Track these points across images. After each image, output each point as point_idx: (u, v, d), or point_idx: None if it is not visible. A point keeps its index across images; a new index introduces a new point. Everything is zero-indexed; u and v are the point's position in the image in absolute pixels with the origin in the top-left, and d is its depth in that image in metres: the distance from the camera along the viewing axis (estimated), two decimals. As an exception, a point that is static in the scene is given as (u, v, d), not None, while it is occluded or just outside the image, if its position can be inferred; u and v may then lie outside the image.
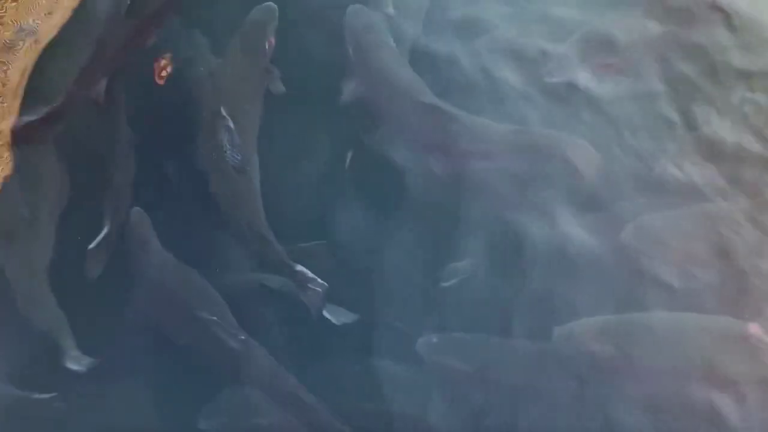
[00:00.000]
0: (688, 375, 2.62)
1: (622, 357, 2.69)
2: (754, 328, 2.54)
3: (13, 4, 3.28)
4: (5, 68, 3.21)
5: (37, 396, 2.82)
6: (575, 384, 2.73)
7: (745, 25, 3.42)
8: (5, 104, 3.18)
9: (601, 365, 2.71)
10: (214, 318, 2.95)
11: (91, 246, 3.05)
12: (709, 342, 2.61)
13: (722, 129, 3.18)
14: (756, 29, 3.41)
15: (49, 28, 3.30)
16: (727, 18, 3.44)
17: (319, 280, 3.03)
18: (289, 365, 2.91)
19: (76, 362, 2.87)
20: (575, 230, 3.05)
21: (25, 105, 3.20)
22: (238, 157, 3.23)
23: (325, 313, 3.04)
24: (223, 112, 3.27)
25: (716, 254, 2.84)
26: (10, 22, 3.26)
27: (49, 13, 3.33)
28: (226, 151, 3.23)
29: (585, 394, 2.71)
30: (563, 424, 2.71)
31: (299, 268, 3.05)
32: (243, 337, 2.93)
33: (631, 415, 2.65)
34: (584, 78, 3.40)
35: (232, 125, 3.25)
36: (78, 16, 3.37)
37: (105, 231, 3.10)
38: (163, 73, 3.52)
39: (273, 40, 3.61)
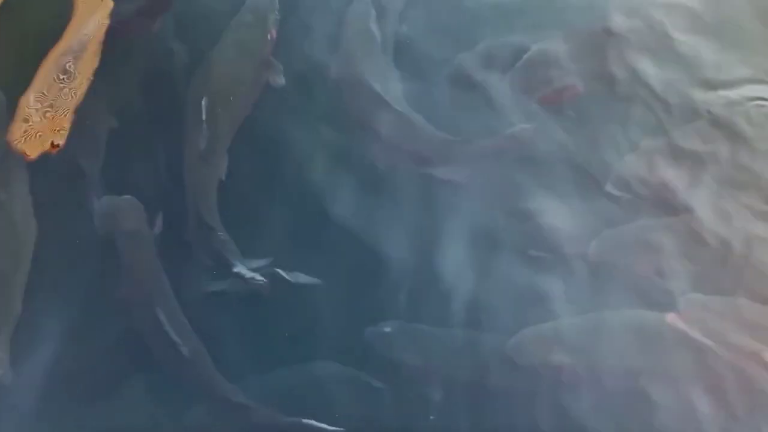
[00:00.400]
0: (630, 372, 2.65)
1: (573, 362, 2.71)
2: (671, 318, 2.59)
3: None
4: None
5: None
6: (529, 384, 2.75)
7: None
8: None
9: (552, 370, 2.73)
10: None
11: None
12: (633, 336, 2.67)
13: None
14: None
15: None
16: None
17: (258, 276, 3.02)
18: (234, 368, 2.89)
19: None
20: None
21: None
22: (203, 147, 3.21)
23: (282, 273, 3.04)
24: (203, 103, 3.26)
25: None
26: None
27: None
28: (197, 139, 3.23)
29: (540, 393, 2.72)
30: (520, 423, 2.72)
31: (238, 269, 3.04)
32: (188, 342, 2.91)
33: (586, 414, 2.65)
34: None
35: (204, 116, 3.24)
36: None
37: None
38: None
39: (274, 33, 3.61)
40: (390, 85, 3.46)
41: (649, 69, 3.39)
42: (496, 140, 3.28)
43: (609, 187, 3.07)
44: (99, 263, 3.08)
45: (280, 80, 3.50)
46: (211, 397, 2.86)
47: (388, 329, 2.98)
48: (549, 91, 3.39)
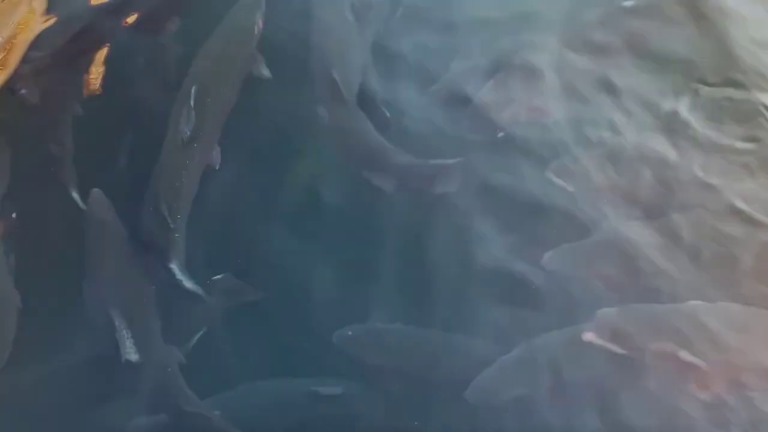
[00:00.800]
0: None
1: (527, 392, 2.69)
2: (588, 336, 2.60)
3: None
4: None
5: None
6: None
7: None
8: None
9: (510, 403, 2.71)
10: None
11: None
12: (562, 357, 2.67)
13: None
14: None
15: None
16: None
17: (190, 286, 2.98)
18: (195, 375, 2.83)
19: None
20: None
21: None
22: (188, 132, 3.18)
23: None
24: (192, 91, 3.26)
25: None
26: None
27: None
28: (179, 125, 3.21)
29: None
30: (481, 423, 2.69)
31: (185, 284, 2.98)
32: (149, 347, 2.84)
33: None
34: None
35: (192, 103, 3.22)
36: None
37: None
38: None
39: (261, 23, 3.64)
40: (352, 79, 3.51)
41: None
42: (420, 166, 3.28)
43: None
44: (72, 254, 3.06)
45: (265, 72, 3.53)
46: (166, 402, 2.79)
47: (350, 332, 2.97)
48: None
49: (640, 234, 2.97)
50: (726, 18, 3.60)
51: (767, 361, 2.59)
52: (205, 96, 3.29)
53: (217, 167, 3.24)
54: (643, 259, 2.91)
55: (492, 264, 2.98)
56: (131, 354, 2.79)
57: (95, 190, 3.14)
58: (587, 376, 2.62)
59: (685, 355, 2.49)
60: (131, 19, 3.67)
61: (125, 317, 2.85)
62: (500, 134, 3.30)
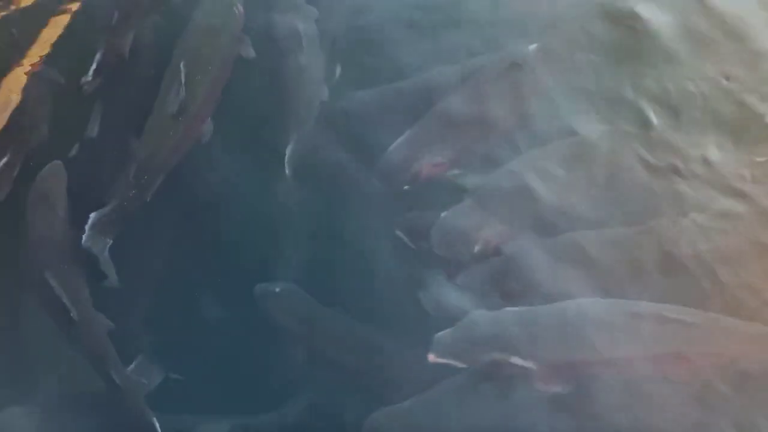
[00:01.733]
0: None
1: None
2: (431, 357, 2.76)
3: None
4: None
5: None
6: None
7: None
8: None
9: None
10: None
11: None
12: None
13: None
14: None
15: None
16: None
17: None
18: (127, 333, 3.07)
19: None
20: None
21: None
22: (176, 105, 3.44)
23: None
24: (181, 67, 3.54)
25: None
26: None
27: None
28: (168, 97, 3.50)
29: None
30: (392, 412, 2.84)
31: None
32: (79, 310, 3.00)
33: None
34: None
35: (183, 79, 3.49)
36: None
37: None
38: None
39: (241, 8, 3.89)
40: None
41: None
42: None
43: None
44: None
45: (250, 52, 3.81)
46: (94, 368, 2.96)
47: (277, 289, 3.17)
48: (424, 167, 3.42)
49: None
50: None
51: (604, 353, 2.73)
52: (194, 72, 3.54)
53: (204, 141, 3.51)
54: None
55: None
56: (73, 312, 2.98)
57: (55, 161, 3.36)
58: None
59: (516, 360, 2.69)
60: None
61: (58, 280, 3.03)
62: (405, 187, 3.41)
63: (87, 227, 3.18)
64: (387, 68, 3.75)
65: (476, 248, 3.09)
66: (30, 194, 3.27)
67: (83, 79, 3.63)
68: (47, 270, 3.04)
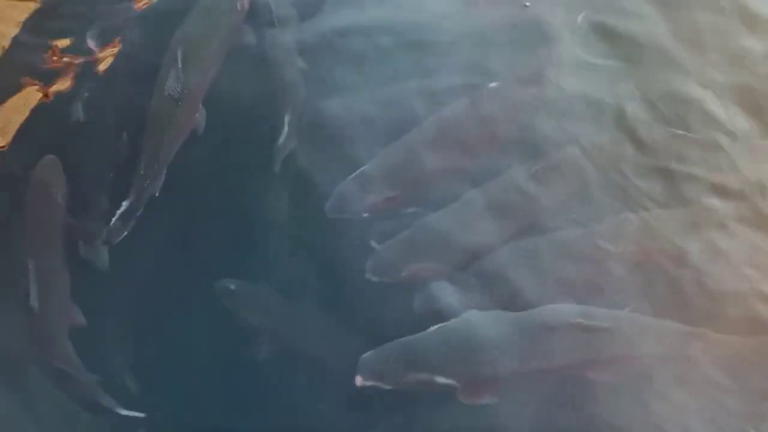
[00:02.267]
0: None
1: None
2: (358, 380, 2.85)
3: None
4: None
5: None
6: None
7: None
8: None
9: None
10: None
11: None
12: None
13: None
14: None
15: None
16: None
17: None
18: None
19: None
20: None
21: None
22: (178, 89, 3.61)
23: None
24: (178, 53, 3.70)
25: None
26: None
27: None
28: (167, 81, 3.65)
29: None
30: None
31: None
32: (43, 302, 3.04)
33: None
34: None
35: (180, 65, 3.66)
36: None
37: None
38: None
39: (246, 3, 4.09)
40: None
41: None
42: None
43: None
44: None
45: (251, 39, 4.02)
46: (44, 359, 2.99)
47: (233, 286, 3.20)
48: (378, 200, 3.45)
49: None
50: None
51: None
52: (189, 59, 3.70)
53: (200, 131, 3.65)
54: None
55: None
56: (34, 302, 3.03)
57: (49, 156, 3.49)
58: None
59: (440, 379, 2.81)
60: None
61: (37, 269, 3.10)
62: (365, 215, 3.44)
63: (115, 218, 3.32)
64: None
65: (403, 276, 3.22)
66: (30, 183, 3.40)
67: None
68: (31, 258, 3.13)
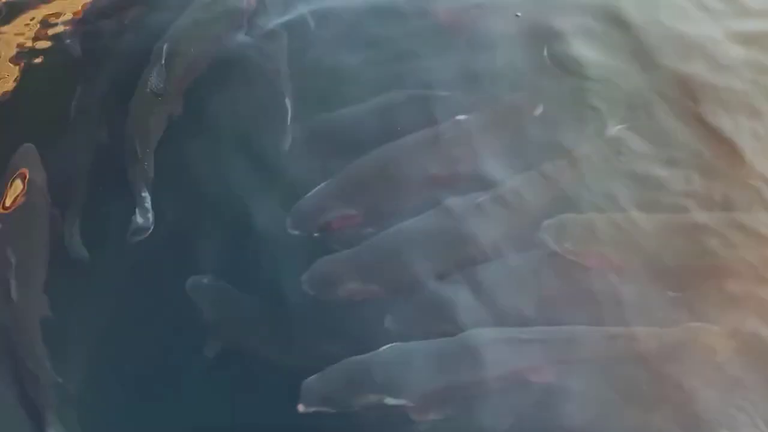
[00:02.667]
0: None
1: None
2: (300, 408, 2.79)
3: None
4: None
5: None
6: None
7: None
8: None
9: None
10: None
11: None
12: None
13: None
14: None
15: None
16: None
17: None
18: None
19: None
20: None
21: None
22: (161, 85, 3.69)
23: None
24: (164, 49, 3.79)
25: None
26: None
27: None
28: (150, 77, 3.73)
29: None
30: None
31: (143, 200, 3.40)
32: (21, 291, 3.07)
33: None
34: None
35: (164, 61, 3.75)
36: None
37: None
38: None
39: (253, 1, 4.11)
40: None
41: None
42: None
43: None
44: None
45: (244, 40, 4.00)
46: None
47: (205, 280, 3.20)
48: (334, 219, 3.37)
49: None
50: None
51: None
52: (174, 55, 3.79)
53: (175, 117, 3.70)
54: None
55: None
56: (13, 292, 3.06)
57: (27, 144, 3.53)
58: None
59: (389, 400, 2.77)
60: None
61: (16, 257, 3.14)
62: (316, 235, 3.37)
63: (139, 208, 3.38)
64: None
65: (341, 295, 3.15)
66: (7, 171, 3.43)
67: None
68: (9, 247, 3.18)
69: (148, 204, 3.37)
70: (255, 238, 3.37)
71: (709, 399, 2.81)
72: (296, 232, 3.34)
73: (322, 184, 3.44)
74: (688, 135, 3.57)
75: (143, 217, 3.32)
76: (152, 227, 3.31)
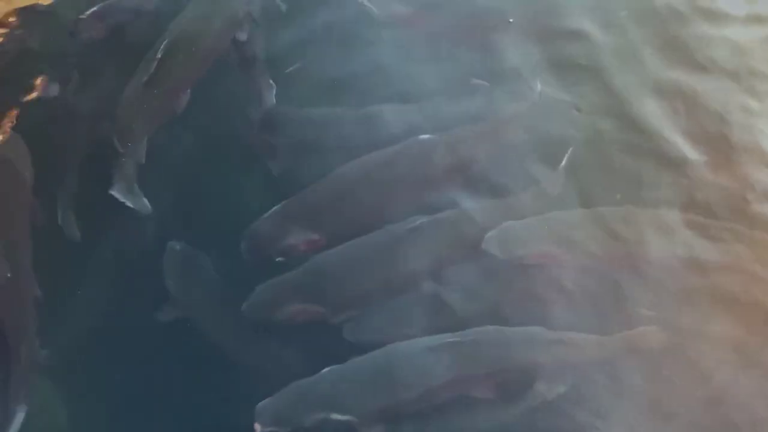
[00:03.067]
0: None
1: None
2: (257, 428, 2.91)
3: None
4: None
5: None
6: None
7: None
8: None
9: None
10: None
11: None
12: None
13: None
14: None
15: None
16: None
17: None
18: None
19: None
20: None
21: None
22: (146, 78, 3.72)
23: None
24: (162, 45, 3.82)
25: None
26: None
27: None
28: (143, 69, 3.80)
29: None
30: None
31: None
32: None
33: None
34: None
35: (160, 55, 3.78)
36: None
37: None
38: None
39: None
40: None
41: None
42: None
43: None
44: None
45: (243, 36, 4.06)
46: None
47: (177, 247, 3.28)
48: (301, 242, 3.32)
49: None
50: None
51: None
52: (176, 49, 3.83)
53: (179, 112, 3.77)
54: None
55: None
56: (4, 272, 3.10)
57: (13, 134, 3.58)
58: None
59: (337, 416, 2.90)
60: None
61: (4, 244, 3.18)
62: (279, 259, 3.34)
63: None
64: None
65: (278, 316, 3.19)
66: None
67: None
68: None
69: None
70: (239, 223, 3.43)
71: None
72: (249, 257, 3.31)
73: (276, 207, 3.40)
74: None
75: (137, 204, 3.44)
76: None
